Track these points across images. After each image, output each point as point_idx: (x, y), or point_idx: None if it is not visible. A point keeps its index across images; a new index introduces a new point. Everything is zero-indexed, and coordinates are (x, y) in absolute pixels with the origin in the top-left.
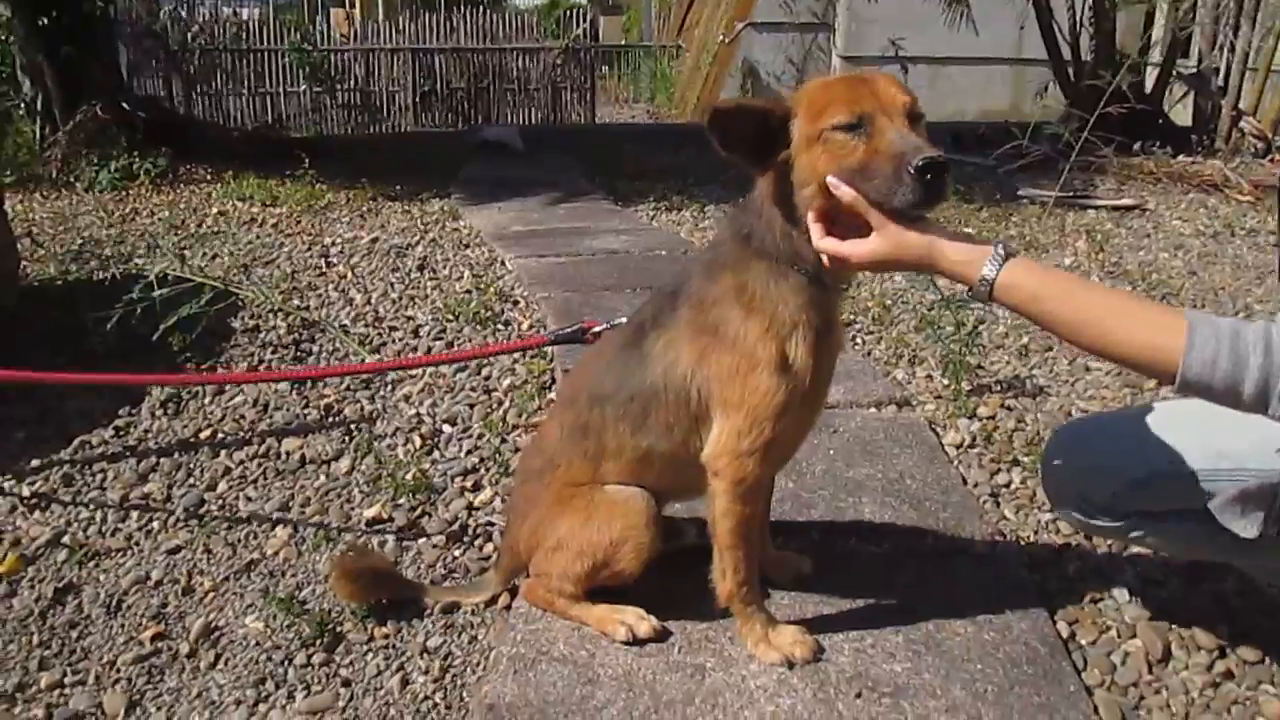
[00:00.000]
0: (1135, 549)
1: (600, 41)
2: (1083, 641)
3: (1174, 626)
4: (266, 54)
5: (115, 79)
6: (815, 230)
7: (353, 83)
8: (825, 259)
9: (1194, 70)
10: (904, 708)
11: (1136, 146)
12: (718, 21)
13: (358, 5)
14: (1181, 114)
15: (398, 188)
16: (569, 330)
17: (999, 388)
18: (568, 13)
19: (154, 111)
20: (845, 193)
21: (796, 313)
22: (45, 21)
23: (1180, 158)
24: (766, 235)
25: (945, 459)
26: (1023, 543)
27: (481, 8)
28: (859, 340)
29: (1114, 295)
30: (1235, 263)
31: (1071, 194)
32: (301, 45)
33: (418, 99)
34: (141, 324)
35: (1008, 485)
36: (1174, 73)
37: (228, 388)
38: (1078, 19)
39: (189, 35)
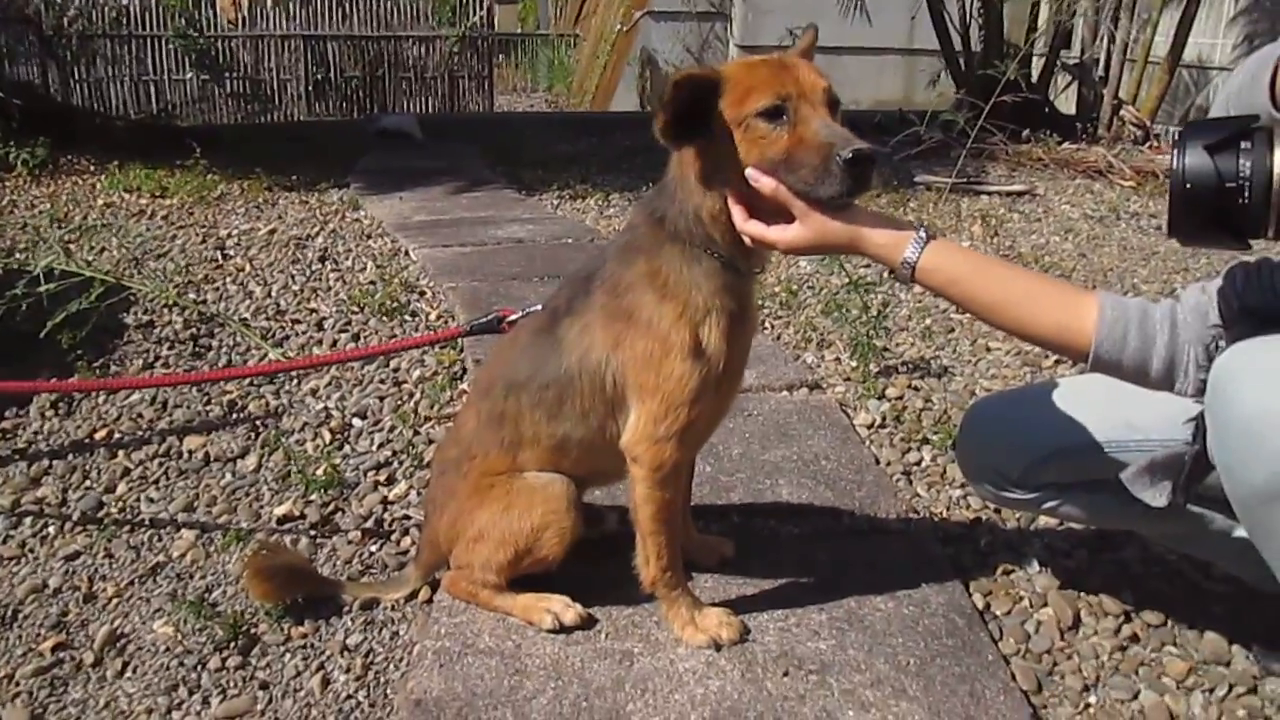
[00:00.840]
0: (1042, 522)
1: (496, 30)
2: (997, 612)
3: (1082, 595)
4: (149, 40)
5: None
6: (738, 213)
7: (242, 70)
8: (748, 240)
9: (1077, 60)
10: (830, 684)
11: (1025, 134)
12: (615, 10)
13: None
14: (1066, 103)
15: (294, 178)
16: (484, 320)
17: (905, 369)
18: (463, 0)
19: (31, 99)
20: (766, 184)
21: (710, 297)
22: None
23: (1066, 145)
24: (680, 219)
25: (857, 439)
26: (936, 519)
27: None
28: (768, 325)
29: (1028, 277)
30: (1121, 245)
31: (965, 180)
32: (187, 31)
33: (311, 87)
34: (26, 321)
35: (919, 463)
36: (1058, 63)
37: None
38: (967, 10)
39: (65, 19)
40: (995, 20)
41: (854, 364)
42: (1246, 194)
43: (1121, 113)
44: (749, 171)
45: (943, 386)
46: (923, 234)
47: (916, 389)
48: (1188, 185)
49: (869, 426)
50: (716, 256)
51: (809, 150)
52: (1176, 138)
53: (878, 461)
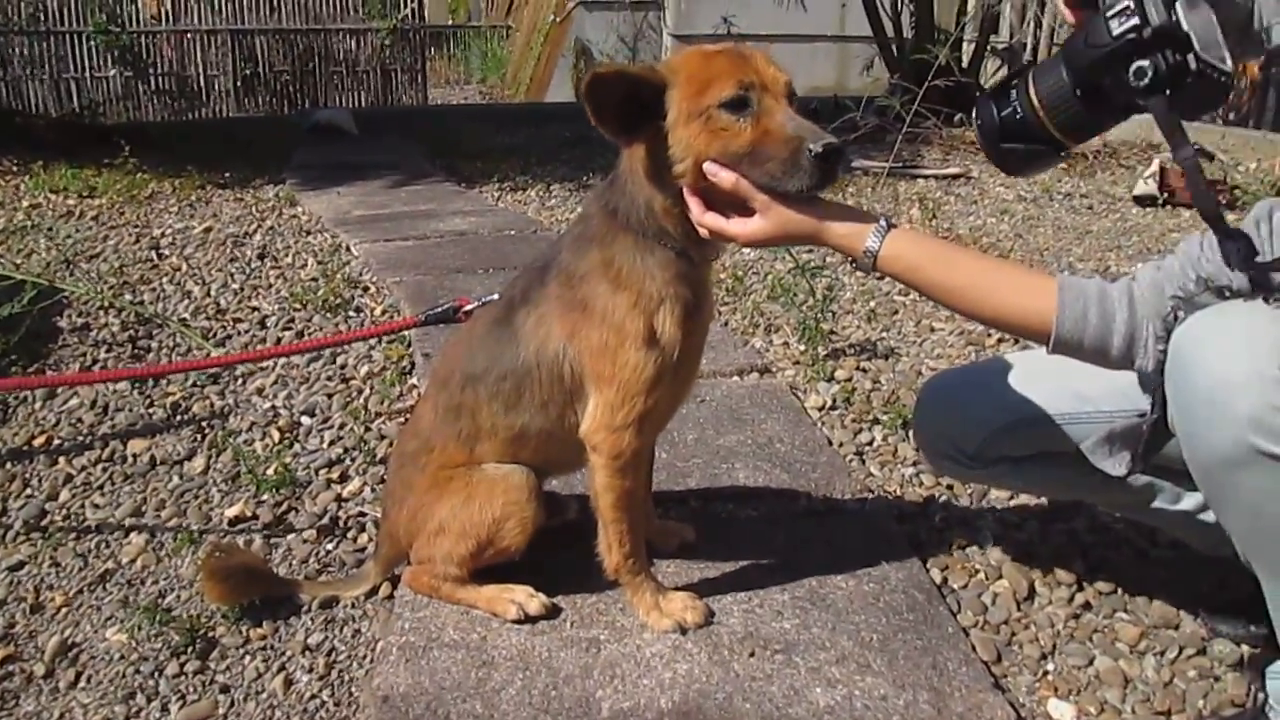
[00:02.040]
0: (994, 496)
1: (427, 22)
2: (955, 586)
3: (1035, 566)
4: (69, 36)
5: None
6: (695, 206)
7: (167, 67)
8: (704, 233)
9: (1006, 45)
10: (796, 662)
11: (958, 118)
12: (547, 1)
13: None
14: None
15: (227, 175)
16: (440, 309)
17: (852, 351)
18: None
19: None
20: (726, 178)
21: (664, 287)
22: None
23: None
24: (632, 212)
25: (809, 422)
26: (890, 497)
27: None
28: (716, 312)
29: (988, 263)
30: (1055, 225)
31: (901, 164)
32: (108, 27)
33: (239, 83)
34: None
35: (870, 443)
36: (988, 47)
37: (59, 390)
38: None
39: None
40: (926, 6)
41: (802, 348)
42: (1019, 117)
43: None
44: (707, 166)
45: (890, 367)
46: (883, 223)
47: (865, 370)
48: (979, 124)
49: (820, 409)
50: (670, 247)
51: (777, 143)
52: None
53: (830, 443)
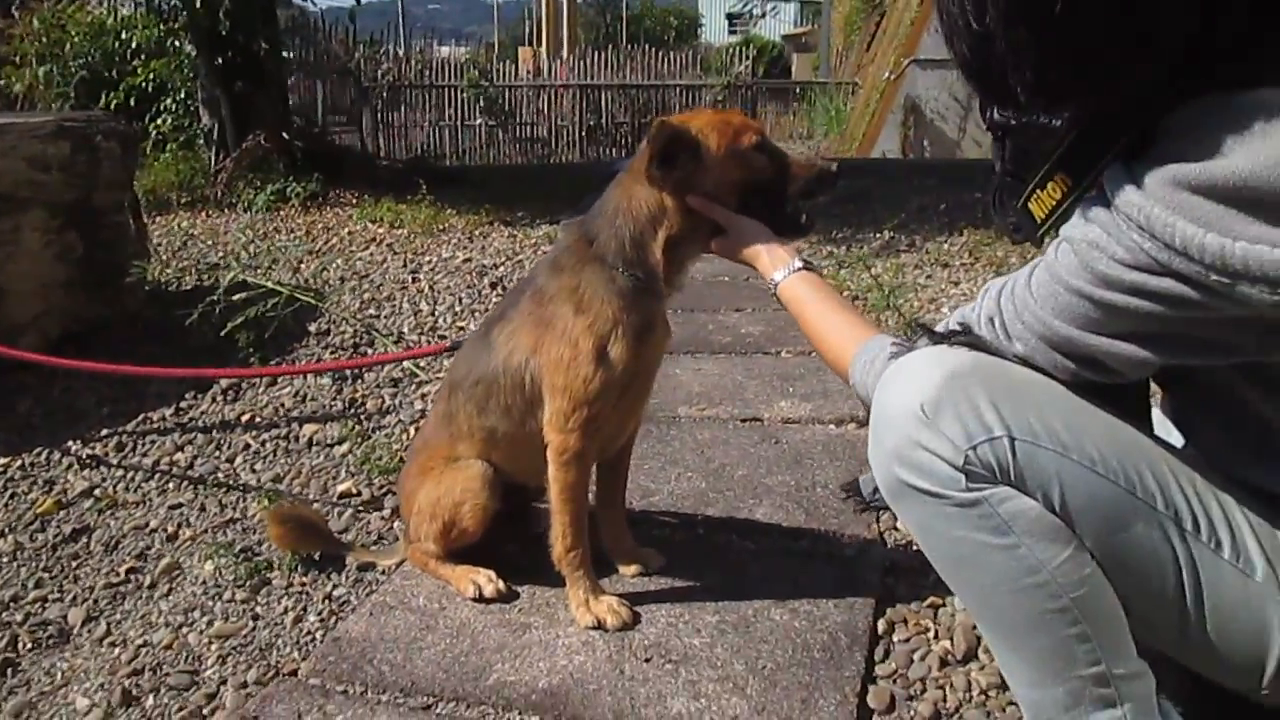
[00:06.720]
0: None
1: (793, 78)
2: (897, 639)
3: None
4: (447, 90)
5: (280, 111)
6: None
7: (522, 117)
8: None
9: None
10: (680, 673)
11: None
12: (887, 58)
13: (543, 44)
14: None
15: (519, 214)
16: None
17: None
18: (731, 51)
19: (310, 141)
20: (705, 205)
21: (619, 312)
22: (221, 60)
23: None
24: (612, 242)
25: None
26: (904, 551)
27: (648, 45)
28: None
29: (843, 313)
30: None
31: None
32: (479, 81)
33: (584, 133)
34: (235, 325)
35: None
36: None
37: (281, 380)
38: None
39: (379, 72)
40: None
41: None
42: None
43: None
44: (693, 199)
45: None
46: (796, 265)
47: None
48: None
49: None
50: (633, 277)
51: (811, 168)
52: None
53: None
